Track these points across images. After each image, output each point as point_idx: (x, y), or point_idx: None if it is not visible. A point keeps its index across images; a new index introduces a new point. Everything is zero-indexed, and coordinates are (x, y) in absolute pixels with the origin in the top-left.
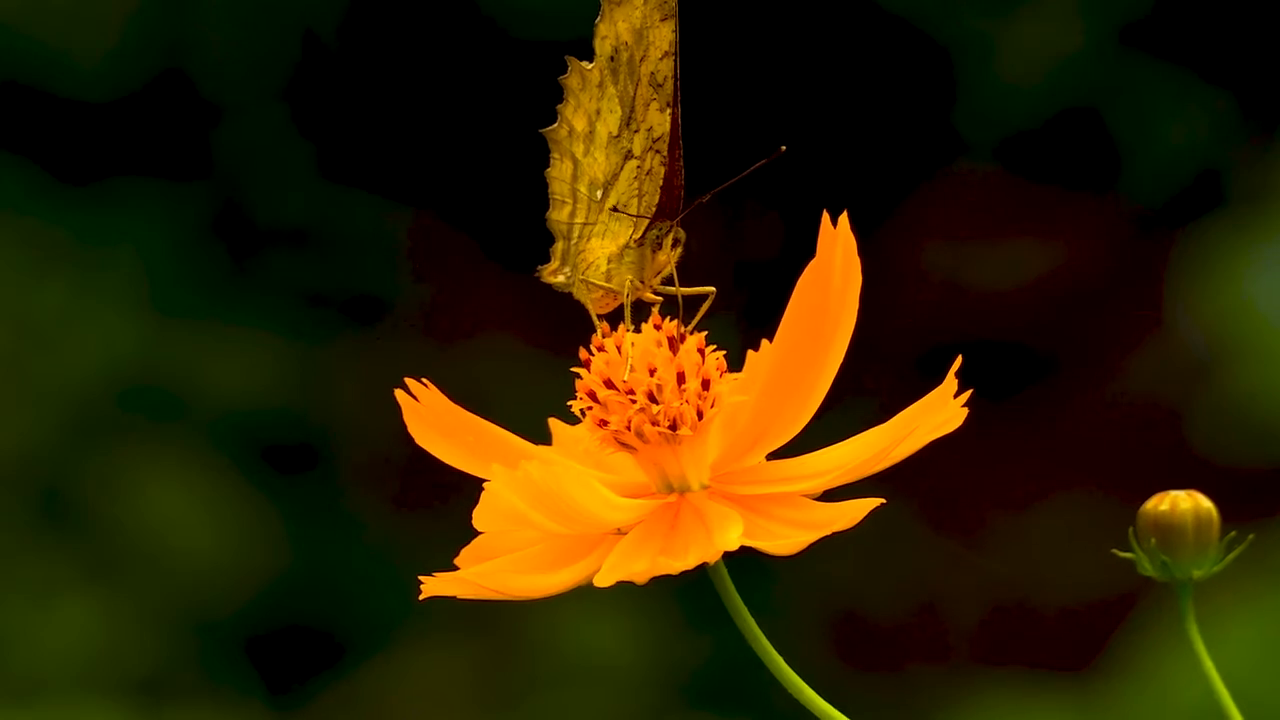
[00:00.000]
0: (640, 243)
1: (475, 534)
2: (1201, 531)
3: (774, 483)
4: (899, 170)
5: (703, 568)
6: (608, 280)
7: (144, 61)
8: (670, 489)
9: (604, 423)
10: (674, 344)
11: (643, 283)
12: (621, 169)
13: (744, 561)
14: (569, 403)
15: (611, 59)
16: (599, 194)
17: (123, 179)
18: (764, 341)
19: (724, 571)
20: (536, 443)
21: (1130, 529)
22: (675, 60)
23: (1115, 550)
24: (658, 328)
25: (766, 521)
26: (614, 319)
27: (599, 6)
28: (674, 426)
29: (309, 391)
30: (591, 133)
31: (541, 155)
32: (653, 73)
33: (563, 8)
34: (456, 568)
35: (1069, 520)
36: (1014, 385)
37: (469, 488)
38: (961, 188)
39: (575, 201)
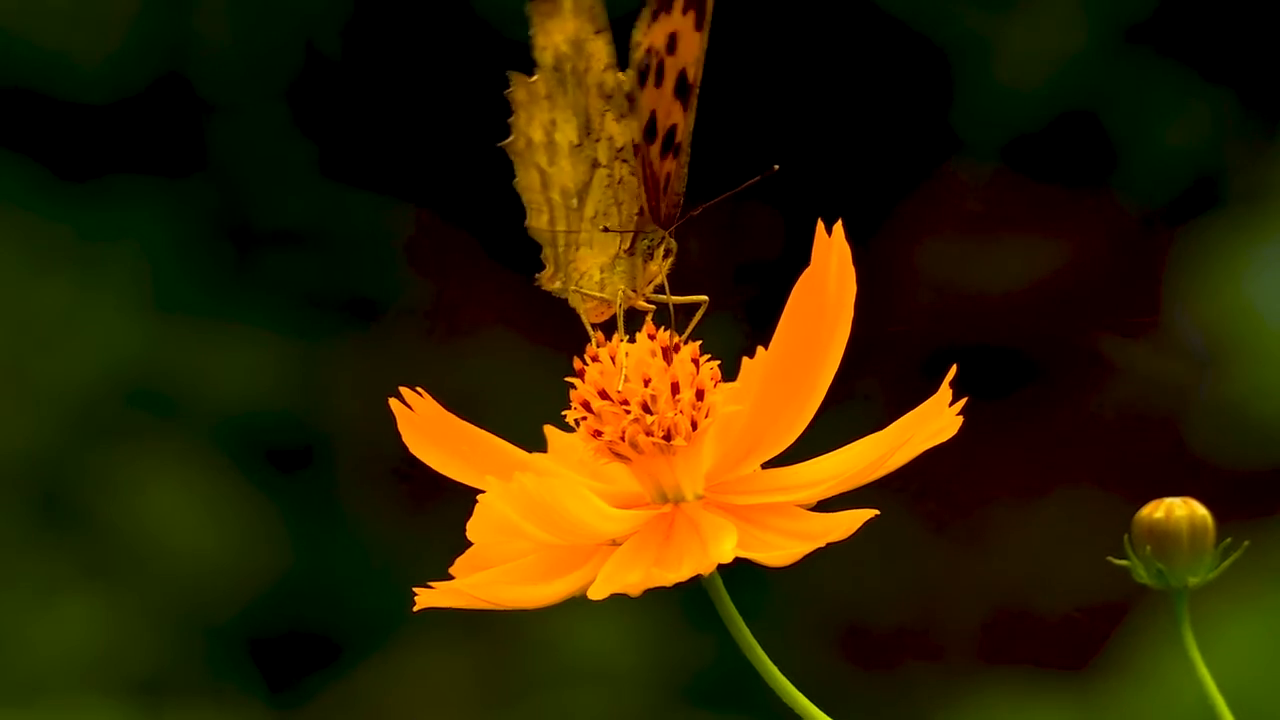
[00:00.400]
0: (631, 252)
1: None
2: (1196, 539)
3: (769, 492)
4: (898, 171)
5: (698, 577)
6: (601, 290)
7: (146, 63)
8: (665, 499)
9: (598, 433)
10: (668, 354)
11: (635, 292)
12: (592, 178)
13: (742, 563)
14: (564, 412)
15: (555, 69)
16: (574, 202)
17: (123, 177)
18: (759, 349)
19: (719, 582)
20: (535, 445)
21: (1125, 536)
22: (698, 68)
23: (1111, 558)
24: (652, 337)
25: (761, 532)
26: (608, 328)
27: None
28: (668, 437)
29: (309, 391)
30: (551, 142)
31: None
32: (600, 83)
33: None
34: (452, 576)
35: (1068, 521)
36: (1012, 386)
37: (467, 488)
38: (960, 188)
39: (551, 209)
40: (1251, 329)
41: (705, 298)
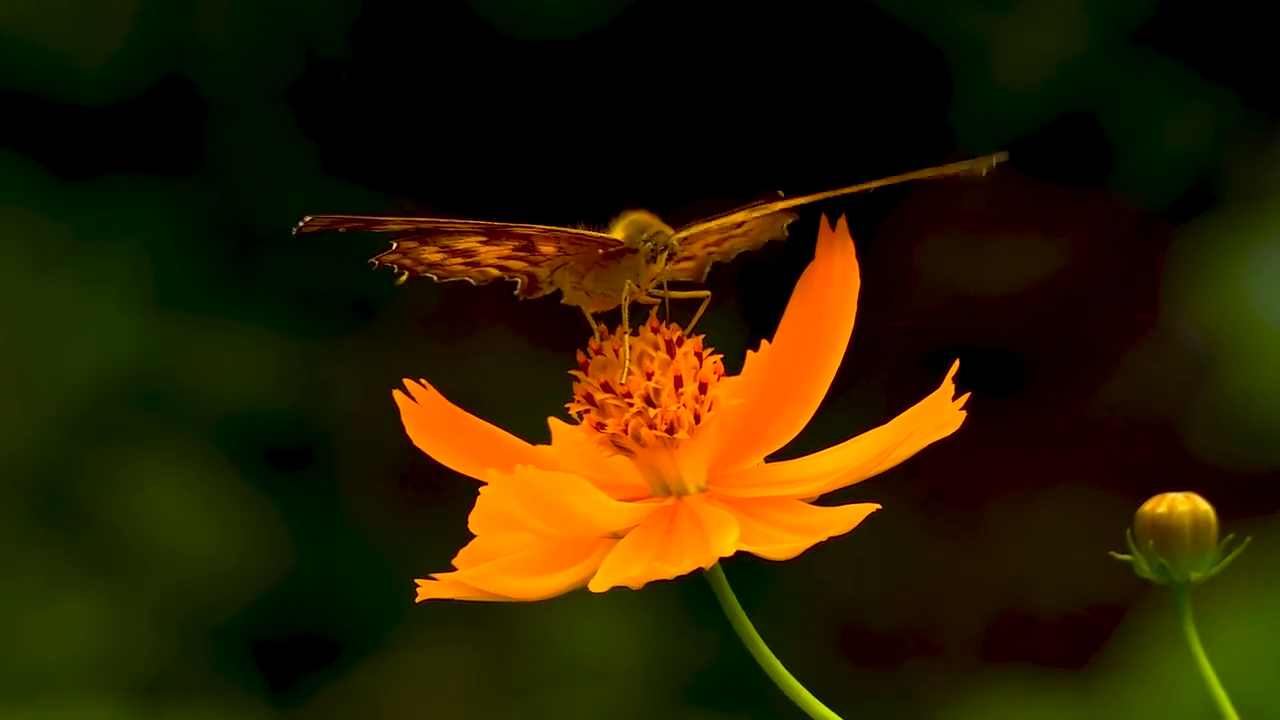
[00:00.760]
0: (635, 252)
1: (474, 534)
2: (1199, 534)
3: (771, 486)
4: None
5: (699, 571)
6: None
7: (147, 65)
8: (667, 492)
9: (601, 426)
10: (671, 347)
11: (638, 287)
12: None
13: (744, 559)
14: (567, 405)
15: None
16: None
17: (123, 176)
18: (763, 343)
19: (721, 576)
20: (538, 440)
21: (1128, 531)
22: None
23: (1113, 553)
24: (655, 331)
25: (763, 526)
26: (611, 321)
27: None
28: (671, 430)
29: (309, 391)
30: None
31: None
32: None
33: (555, 12)
34: (454, 569)
35: (1068, 520)
36: (1010, 385)
37: (470, 485)
38: (959, 188)
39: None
40: (1250, 328)
41: (708, 292)
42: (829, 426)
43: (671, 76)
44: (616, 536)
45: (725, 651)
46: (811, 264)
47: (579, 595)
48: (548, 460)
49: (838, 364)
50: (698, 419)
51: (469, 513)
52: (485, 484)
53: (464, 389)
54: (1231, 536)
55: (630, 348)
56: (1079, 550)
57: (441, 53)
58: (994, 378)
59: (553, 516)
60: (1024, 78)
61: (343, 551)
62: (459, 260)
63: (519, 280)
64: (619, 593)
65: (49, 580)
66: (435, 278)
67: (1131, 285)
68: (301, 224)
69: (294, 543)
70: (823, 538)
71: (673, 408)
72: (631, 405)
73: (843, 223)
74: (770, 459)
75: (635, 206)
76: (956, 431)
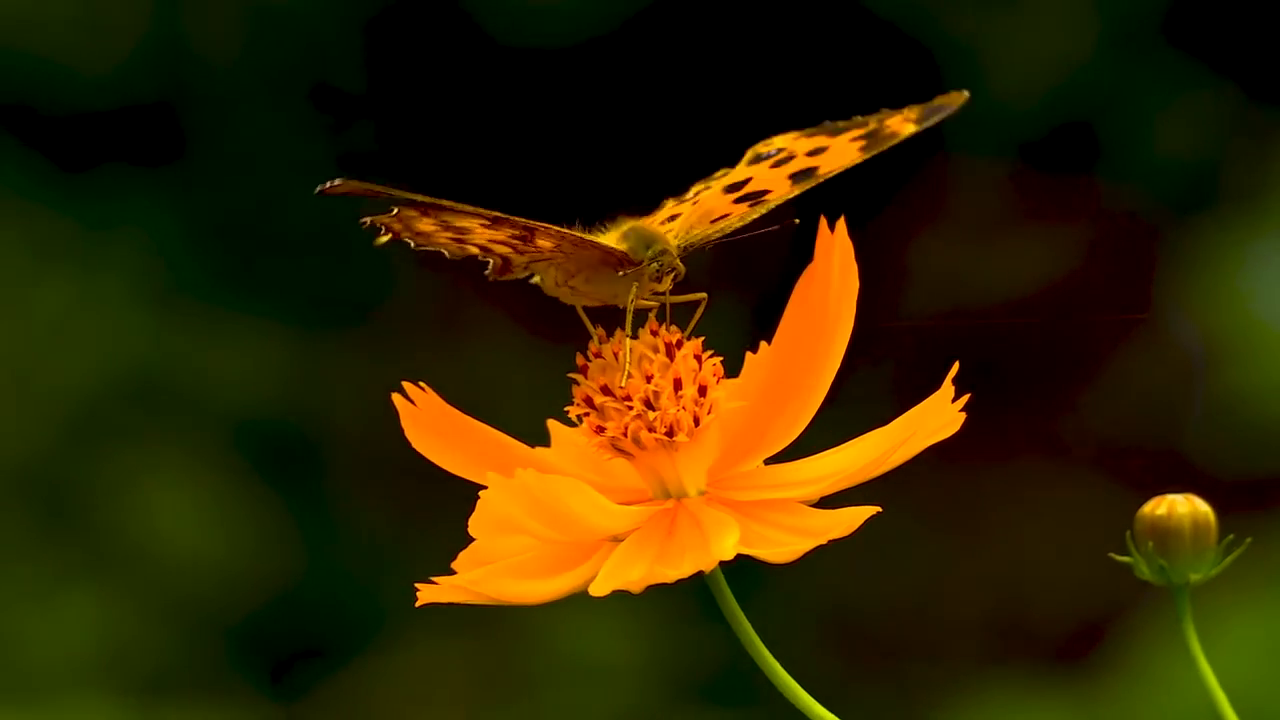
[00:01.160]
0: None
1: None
2: (1199, 535)
3: (771, 488)
4: (897, 172)
5: (700, 574)
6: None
7: (152, 64)
8: (667, 495)
9: (601, 429)
10: (671, 350)
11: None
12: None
13: (743, 560)
14: (567, 408)
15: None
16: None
17: (126, 170)
18: (762, 344)
19: (721, 578)
20: (537, 441)
21: (1127, 532)
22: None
23: (1113, 554)
24: (654, 333)
25: (763, 528)
26: (610, 324)
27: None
28: (671, 433)
29: (310, 390)
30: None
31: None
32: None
33: (552, 16)
34: (454, 572)
35: (1067, 520)
36: (1010, 386)
37: (470, 485)
38: (957, 187)
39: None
40: (1248, 327)
41: (704, 295)
42: (829, 428)
43: (666, 80)
44: (616, 540)
45: (730, 647)
46: (810, 266)
47: (581, 594)
48: (547, 463)
49: (837, 366)
50: (697, 422)
51: (468, 514)
52: (485, 487)
53: (464, 388)
54: (1231, 537)
55: (630, 350)
56: (1079, 550)
57: (444, 59)
58: (993, 378)
59: (552, 520)
60: (1022, 77)
61: (342, 551)
62: (448, 234)
63: (492, 261)
64: (620, 593)
65: (49, 579)
66: (413, 244)
67: (1129, 284)
68: (328, 185)
69: (296, 543)
70: (823, 540)
71: (672, 410)
72: (631, 408)
73: (841, 224)
74: (770, 461)
75: (631, 211)
76: (956, 433)
